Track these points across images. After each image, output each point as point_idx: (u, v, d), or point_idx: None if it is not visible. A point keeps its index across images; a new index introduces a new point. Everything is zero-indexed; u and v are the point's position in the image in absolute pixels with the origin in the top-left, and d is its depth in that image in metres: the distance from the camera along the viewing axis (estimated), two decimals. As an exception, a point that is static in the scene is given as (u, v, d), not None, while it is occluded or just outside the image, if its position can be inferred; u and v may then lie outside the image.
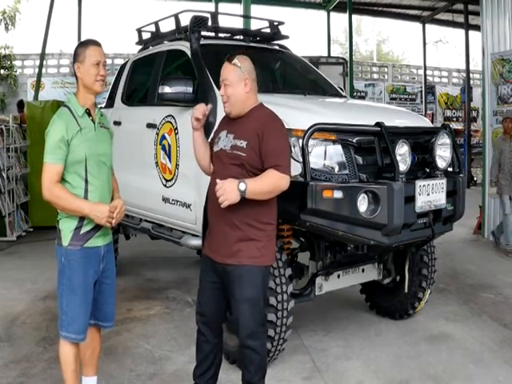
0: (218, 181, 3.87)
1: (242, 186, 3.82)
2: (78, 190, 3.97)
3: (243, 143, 4.00)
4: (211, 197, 4.17)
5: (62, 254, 4.01)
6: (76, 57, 4.05)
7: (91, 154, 4.01)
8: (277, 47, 7.74)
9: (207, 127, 5.74)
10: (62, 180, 3.94)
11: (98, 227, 4.06)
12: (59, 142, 3.86)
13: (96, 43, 4.12)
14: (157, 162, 6.48)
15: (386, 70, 28.53)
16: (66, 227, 4.00)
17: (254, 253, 4.01)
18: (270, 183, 3.93)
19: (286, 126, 4.80)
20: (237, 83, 4.09)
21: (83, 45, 4.09)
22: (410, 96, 28.14)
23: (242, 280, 4.03)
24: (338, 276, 5.70)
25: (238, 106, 4.11)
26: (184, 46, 6.53)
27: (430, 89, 27.84)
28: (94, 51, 4.06)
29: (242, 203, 3.90)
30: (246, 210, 3.96)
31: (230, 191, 3.81)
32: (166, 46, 7.11)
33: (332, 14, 22.34)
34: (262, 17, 7.84)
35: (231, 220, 4.02)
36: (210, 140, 4.45)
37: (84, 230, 4.02)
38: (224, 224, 4.07)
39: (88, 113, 4.08)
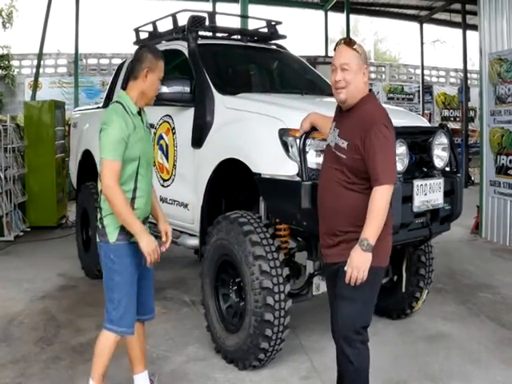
0: (346, 269, 3.68)
1: (364, 244, 3.60)
2: (126, 187, 4.01)
3: (344, 143, 3.78)
4: (317, 196, 4.12)
5: (111, 250, 4.05)
6: (146, 61, 4.06)
7: (143, 153, 4.09)
8: (274, 47, 7.74)
9: (204, 128, 5.79)
10: None
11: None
12: (120, 139, 3.88)
13: (163, 58, 4.19)
14: (154, 162, 6.47)
15: (383, 69, 28.64)
16: (112, 224, 4.05)
17: None
18: (379, 210, 3.63)
19: (284, 126, 4.83)
20: (357, 70, 3.79)
21: (155, 54, 4.13)
22: (408, 96, 28.23)
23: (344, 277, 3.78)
24: (336, 276, 5.70)
25: (354, 96, 3.82)
26: (181, 46, 6.53)
27: (427, 88, 27.88)
28: (162, 66, 4.16)
29: (342, 210, 3.80)
30: (347, 217, 3.80)
31: (359, 264, 3.62)
32: (164, 45, 7.08)
33: (329, 13, 22.42)
34: (259, 16, 7.85)
35: (330, 225, 3.90)
36: None
37: None
38: (326, 228, 3.95)
39: (138, 112, 4.13)
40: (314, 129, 4.60)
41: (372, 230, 3.62)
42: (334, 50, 3.91)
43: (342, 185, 3.80)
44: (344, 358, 3.95)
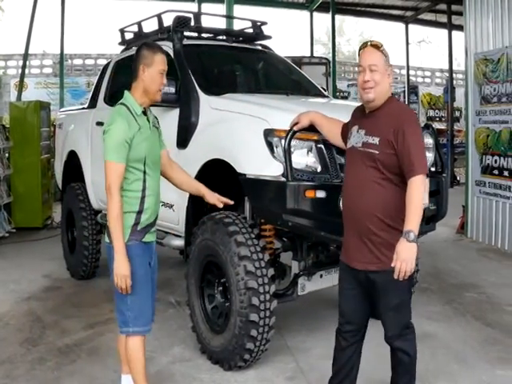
0: (394, 264, 3.68)
1: (411, 236, 3.67)
2: (134, 187, 4.02)
3: (375, 139, 3.82)
4: (344, 201, 4.09)
5: None
6: (142, 58, 4.08)
7: (149, 153, 4.09)
8: (259, 47, 7.74)
9: (189, 128, 5.77)
10: None
11: (152, 224, 4.17)
12: (123, 141, 3.88)
13: (163, 51, 4.20)
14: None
15: (369, 70, 28.61)
16: (124, 224, 3.97)
17: None
18: (418, 200, 3.70)
19: (268, 126, 4.83)
20: (384, 72, 3.89)
21: (151, 48, 4.14)
22: (393, 96, 28.26)
23: (387, 287, 3.89)
24: (321, 276, 5.69)
25: (380, 97, 3.90)
26: (167, 47, 6.49)
27: (412, 89, 27.98)
28: (162, 59, 4.14)
29: (376, 209, 3.80)
30: (380, 216, 3.82)
31: (407, 256, 3.69)
32: (149, 46, 7.06)
33: (315, 14, 22.44)
34: (244, 17, 7.85)
35: (366, 227, 3.85)
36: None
37: (140, 226, 4.07)
38: (359, 232, 3.90)
39: (143, 112, 4.13)
40: (306, 129, 4.63)
41: (415, 220, 3.70)
42: (359, 51, 4.00)
43: (377, 182, 3.83)
44: (399, 352, 4.10)
